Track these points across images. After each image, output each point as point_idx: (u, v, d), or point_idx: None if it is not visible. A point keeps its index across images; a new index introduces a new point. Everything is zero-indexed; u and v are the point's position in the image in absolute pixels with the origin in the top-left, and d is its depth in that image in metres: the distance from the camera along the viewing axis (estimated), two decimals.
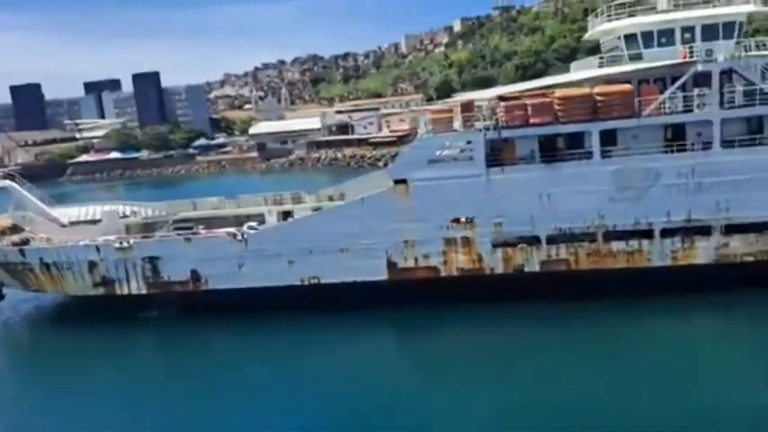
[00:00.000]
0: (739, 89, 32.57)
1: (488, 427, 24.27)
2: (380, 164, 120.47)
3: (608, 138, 33.89)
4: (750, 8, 35.15)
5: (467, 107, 36.27)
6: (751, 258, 33.34)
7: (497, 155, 34.84)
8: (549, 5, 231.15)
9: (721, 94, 32.79)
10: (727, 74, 33.16)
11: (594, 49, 46.03)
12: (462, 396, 26.46)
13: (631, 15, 37.74)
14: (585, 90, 34.25)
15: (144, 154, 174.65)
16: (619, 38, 36.84)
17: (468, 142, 34.81)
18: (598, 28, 39.18)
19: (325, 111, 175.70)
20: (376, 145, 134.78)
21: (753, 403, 23.53)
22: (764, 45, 34.58)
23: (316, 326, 35.28)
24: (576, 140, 34.35)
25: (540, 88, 37.34)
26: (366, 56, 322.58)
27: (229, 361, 32.92)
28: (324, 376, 29.54)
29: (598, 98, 33.39)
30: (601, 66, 37.42)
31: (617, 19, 37.50)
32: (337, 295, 36.41)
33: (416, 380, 29.26)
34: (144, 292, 39.63)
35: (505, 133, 34.55)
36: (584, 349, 29.86)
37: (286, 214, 44.74)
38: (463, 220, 35.52)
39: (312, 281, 37.57)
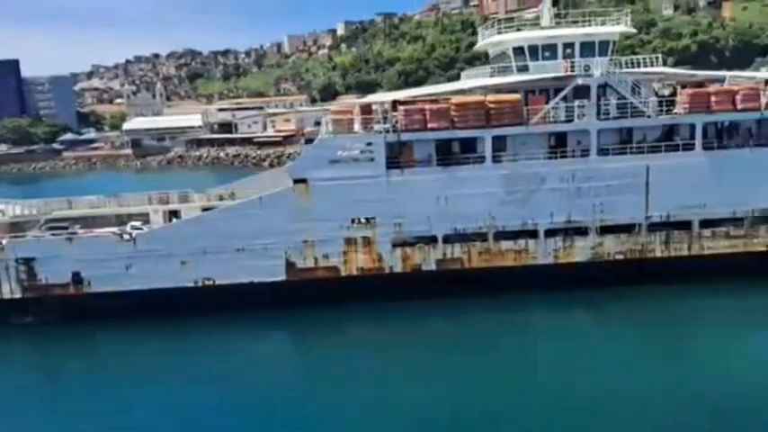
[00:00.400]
0: (613, 102, 35.86)
1: (384, 423, 24.66)
2: (265, 164, 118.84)
3: (499, 143, 35.94)
4: (622, 29, 38.90)
5: (366, 109, 36.92)
6: (621, 257, 36.75)
7: (396, 157, 35.81)
8: (431, 15, 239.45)
9: (598, 106, 35.90)
10: (603, 87, 36.35)
11: (473, 59, 48.71)
12: (357, 393, 26.73)
13: (519, 30, 40.36)
14: (480, 98, 36.12)
15: (2, 149, 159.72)
16: (508, 50, 39.18)
17: (369, 144, 35.47)
18: (488, 39, 41.40)
19: (207, 108, 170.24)
20: (261, 144, 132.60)
21: (623, 388, 25.94)
22: (633, 63, 38.30)
23: (209, 328, 34.21)
24: (470, 145, 36.12)
25: (436, 95, 38.83)
26: (247, 54, 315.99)
27: (113, 367, 31.26)
28: (216, 379, 28.68)
29: (491, 106, 35.33)
30: (492, 75, 39.59)
31: (506, 32, 39.90)
32: (233, 297, 35.59)
33: (312, 379, 29.06)
34: (18, 296, 36.45)
35: (405, 136, 35.60)
36: (475, 343, 31.21)
37: (173, 214, 42.96)
38: (363, 220, 36.12)
39: (206, 282, 36.48)
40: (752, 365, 27.70)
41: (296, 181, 35.73)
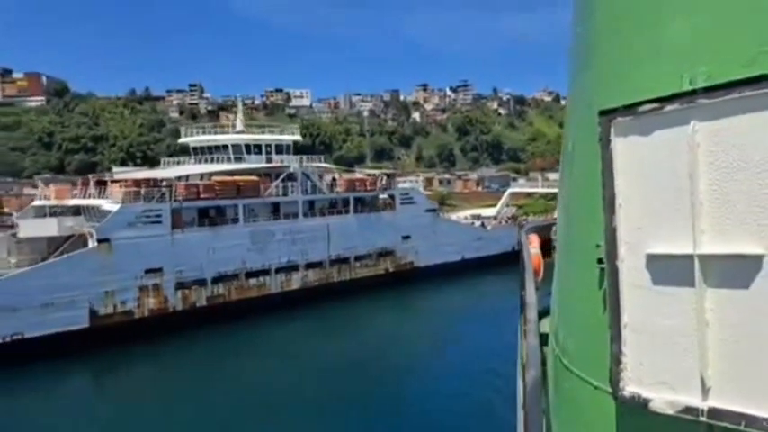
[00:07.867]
0: (309, 184, 55.94)
1: None
2: None
3: (246, 210, 51.23)
4: (297, 138, 59.83)
5: (150, 183, 47.22)
6: (317, 282, 56.11)
7: (177, 219, 46.97)
8: None
9: (302, 186, 55.30)
10: (304, 174, 56.12)
11: None
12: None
13: (220, 132, 57.05)
14: (234, 178, 51.03)
15: None
16: (228, 145, 55.21)
17: (158, 210, 45.79)
18: (206, 137, 56.58)
19: None
20: None
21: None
22: (310, 159, 59.49)
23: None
24: (223, 211, 50.25)
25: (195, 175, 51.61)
26: None
27: None
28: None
29: (241, 184, 50.67)
30: (205, 162, 54.99)
31: (221, 133, 56.15)
32: (42, 347, 39.27)
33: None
34: None
35: (185, 204, 47.32)
36: (241, 357, 41.77)
37: None
38: (154, 270, 45.50)
39: (15, 337, 39.07)
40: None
41: (100, 241, 42.85)
